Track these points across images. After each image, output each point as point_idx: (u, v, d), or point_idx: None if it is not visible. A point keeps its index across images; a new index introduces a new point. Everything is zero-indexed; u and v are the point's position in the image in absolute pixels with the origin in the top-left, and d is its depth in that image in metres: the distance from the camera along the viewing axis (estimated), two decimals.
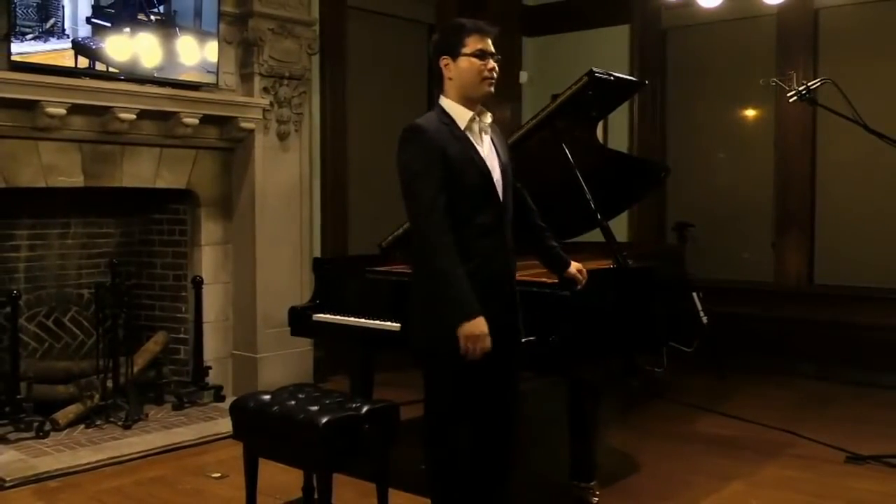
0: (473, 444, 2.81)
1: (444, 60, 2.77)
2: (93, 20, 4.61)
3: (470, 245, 2.69)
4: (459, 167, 2.68)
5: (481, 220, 2.72)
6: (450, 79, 2.78)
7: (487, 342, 2.63)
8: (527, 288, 3.23)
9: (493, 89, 2.79)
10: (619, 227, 5.71)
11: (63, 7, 4.47)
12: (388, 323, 3.82)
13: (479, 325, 2.62)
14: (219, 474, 4.11)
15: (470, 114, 2.77)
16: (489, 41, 2.77)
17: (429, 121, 2.75)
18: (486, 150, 2.79)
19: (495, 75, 2.78)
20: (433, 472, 2.84)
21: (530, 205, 3.04)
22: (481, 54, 2.74)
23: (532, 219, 3.05)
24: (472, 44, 2.74)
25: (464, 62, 2.75)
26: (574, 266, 3.13)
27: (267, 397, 3.29)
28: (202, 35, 5.09)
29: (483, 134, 2.81)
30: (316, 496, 3.18)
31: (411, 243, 2.81)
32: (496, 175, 2.77)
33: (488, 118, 2.83)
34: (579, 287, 3.16)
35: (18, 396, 4.58)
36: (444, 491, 2.81)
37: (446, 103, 2.79)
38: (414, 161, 2.69)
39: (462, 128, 2.74)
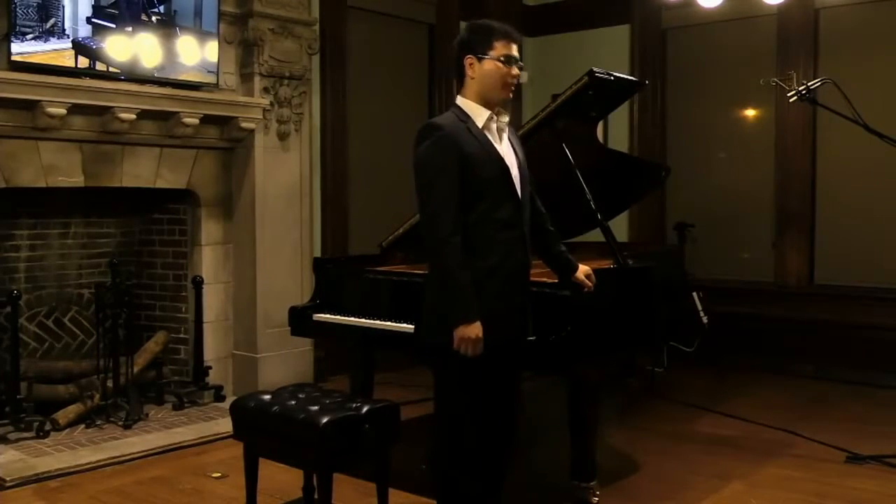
0: (482, 438, 2.81)
1: (469, 59, 2.78)
2: (93, 20, 4.61)
3: (492, 238, 2.73)
4: (477, 163, 2.70)
5: (500, 214, 2.74)
6: (472, 78, 2.79)
7: (480, 348, 2.66)
8: None
9: (511, 96, 2.82)
10: (619, 227, 5.72)
11: (63, 7, 4.47)
12: (389, 323, 3.83)
13: (474, 330, 2.64)
14: (219, 474, 4.11)
15: (487, 112, 2.79)
16: (514, 48, 2.78)
17: (446, 119, 2.77)
18: (504, 147, 2.82)
19: (517, 82, 2.81)
20: (444, 466, 2.84)
21: (541, 209, 3.05)
22: (507, 59, 2.76)
23: (542, 223, 3.05)
24: (499, 48, 2.76)
25: (489, 64, 2.76)
26: (582, 270, 3.12)
27: (267, 397, 3.30)
28: (202, 35, 5.09)
29: (500, 133, 2.83)
30: (316, 496, 3.18)
31: (424, 241, 2.81)
32: (514, 171, 2.80)
33: (505, 118, 2.85)
34: (587, 291, 3.15)
35: (19, 396, 4.58)
36: (453, 484, 2.81)
37: (464, 102, 2.81)
38: (429, 160, 2.71)
39: (480, 126, 2.76)
